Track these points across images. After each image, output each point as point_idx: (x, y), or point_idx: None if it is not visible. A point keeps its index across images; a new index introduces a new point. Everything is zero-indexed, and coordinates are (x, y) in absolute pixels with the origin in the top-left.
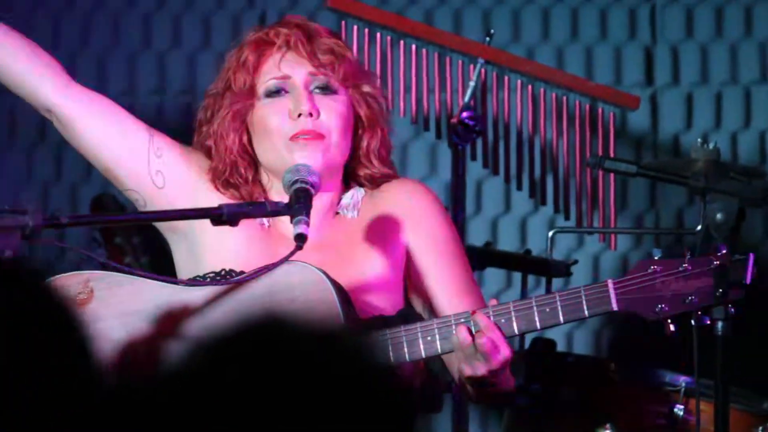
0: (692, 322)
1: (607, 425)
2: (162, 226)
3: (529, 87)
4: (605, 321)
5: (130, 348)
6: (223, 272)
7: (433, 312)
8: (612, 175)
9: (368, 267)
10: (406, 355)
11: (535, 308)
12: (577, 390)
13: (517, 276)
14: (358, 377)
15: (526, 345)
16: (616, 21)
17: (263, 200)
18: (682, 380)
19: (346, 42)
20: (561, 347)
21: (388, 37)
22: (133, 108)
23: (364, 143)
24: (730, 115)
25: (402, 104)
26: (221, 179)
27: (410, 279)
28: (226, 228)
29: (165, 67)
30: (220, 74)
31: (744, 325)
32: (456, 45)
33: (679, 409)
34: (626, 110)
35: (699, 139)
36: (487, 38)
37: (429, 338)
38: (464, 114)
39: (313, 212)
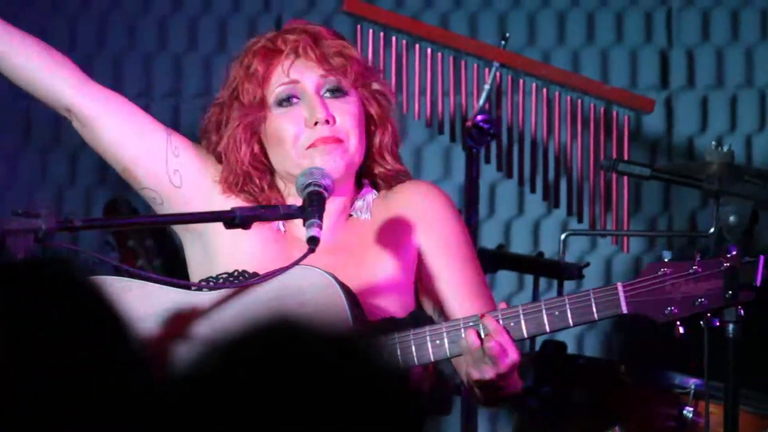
0: (702, 324)
1: (617, 427)
2: (177, 226)
3: (544, 90)
4: (616, 324)
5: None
6: (236, 273)
7: (443, 315)
8: (626, 178)
9: (380, 269)
10: (415, 359)
11: (544, 311)
12: (588, 392)
13: (529, 279)
14: (368, 380)
15: (537, 347)
16: (631, 24)
17: (276, 204)
18: (692, 382)
19: (351, 42)
20: (571, 349)
21: (404, 41)
22: (148, 110)
23: (377, 141)
24: (745, 118)
25: (417, 107)
26: (235, 189)
27: (421, 281)
28: (240, 230)
29: (181, 70)
30: (226, 83)
31: (754, 328)
32: (471, 48)
33: (688, 411)
34: (641, 113)
35: (713, 142)
36: (503, 42)
37: (438, 342)
38: (479, 117)
39: (326, 215)
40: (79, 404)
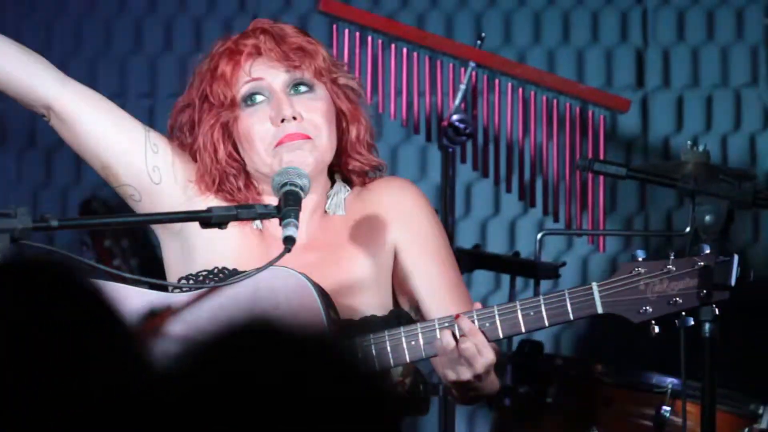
0: (677, 323)
1: (594, 427)
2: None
3: (520, 90)
4: (592, 323)
5: None
6: (215, 270)
7: (420, 312)
8: (602, 177)
9: (356, 266)
10: (391, 360)
11: (519, 312)
12: (565, 392)
13: (505, 278)
14: (343, 382)
15: (514, 347)
16: (607, 24)
17: (253, 203)
18: (669, 382)
19: (319, 40)
20: (548, 349)
21: (380, 41)
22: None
23: (352, 135)
24: (720, 118)
25: (393, 107)
26: (212, 188)
27: (397, 278)
28: (217, 229)
29: (156, 70)
30: (192, 85)
31: (731, 327)
32: (447, 48)
33: (665, 411)
34: (617, 113)
35: (689, 142)
36: (478, 42)
37: (413, 342)
38: (454, 117)
39: (301, 212)
40: (78, 405)
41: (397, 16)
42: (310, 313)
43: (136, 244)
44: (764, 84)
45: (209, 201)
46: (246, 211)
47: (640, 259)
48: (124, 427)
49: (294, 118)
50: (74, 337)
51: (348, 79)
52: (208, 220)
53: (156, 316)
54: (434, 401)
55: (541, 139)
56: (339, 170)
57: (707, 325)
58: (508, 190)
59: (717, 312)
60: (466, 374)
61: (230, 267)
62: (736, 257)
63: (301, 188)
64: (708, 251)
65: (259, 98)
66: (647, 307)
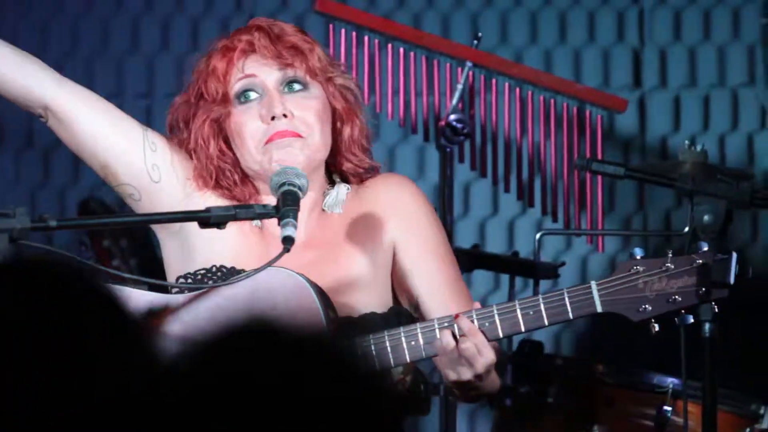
0: (676, 321)
1: (595, 427)
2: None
3: (517, 90)
4: (593, 322)
5: None
6: (213, 268)
7: (419, 309)
8: (600, 177)
9: (355, 264)
10: (391, 360)
11: (518, 311)
12: (565, 392)
13: (504, 278)
14: (342, 382)
15: (514, 347)
16: (604, 24)
17: (251, 203)
18: (670, 381)
19: (316, 39)
20: (549, 349)
21: (376, 41)
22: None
23: (345, 136)
24: (717, 117)
25: (390, 107)
26: (209, 184)
27: (396, 275)
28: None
29: (153, 70)
30: (189, 82)
31: (730, 326)
32: (444, 48)
33: (666, 411)
34: (614, 113)
35: (687, 142)
36: (475, 41)
37: (413, 342)
38: (452, 117)
39: (299, 212)
40: (81, 405)
41: (394, 16)
42: (308, 313)
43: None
44: (761, 83)
45: (208, 197)
46: (244, 211)
47: (638, 257)
48: (124, 427)
49: (285, 115)
50: (78, 337)
51: (345, 79)
52: (207, 220)
53: (155, 316)
54: (435, 401)
55: (538, 139)
56: (335, 170)
57: (707, 325)
58: (507, 189)
59: (716, 310)
60: (466, 374)
61: (229, 265)
62: (734, 255)
63: (300, 188)
64: (706, 249)
65: (252, 95)
66: (646, 306)
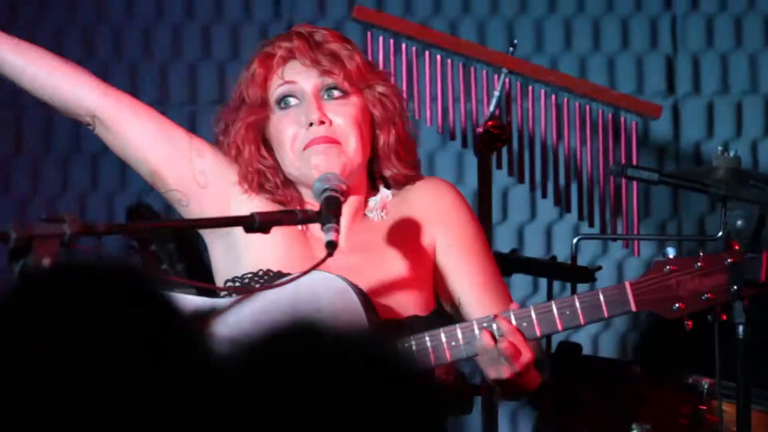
0: (709, 318)
1: (633, 426)
2: None
3: (553, 96)
4: (630, 324)
5: None
6: (260, 272)
7: (461, 310)
8: (635, 182)
9: (398, 268)
10: (432, 360)
11: (555, 311)
12: (603, 392)
13: (543, 282)
14: (388, 383)
15: (553, 348)
16: (637, 31)
17: (295, 208)
18: (705, 382)
19: (356, 45)
20: (587, 350)
21: (413, 48)
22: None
23: (381, 143)
24: (750, 123)
25: (428, 114)
26: (253, 188)
27: (437, 277)
28: None
29: (196, 77)
30: (235, 90)
31: (764, 328)
32: (480, 55)
33: (702, 411)
34: (648, 119)
35: (720, 148)
36: (511, 48)
37: (453, 343)
38: (489, 123)
39: (342, 216)
40: (131, 406)
41: (430, 24)
42: (351, 315)
43: (182, 248)
44: None
45: (254, 201)
46: (287, 217)
47: (670, 256)
48: (173, 427)
49: (322, 122)
50: (131, 339)
51: (386, 87)
52: (251, 224)
53: (201, 319)
54: (477, 401)
55: (574, 145)
56: (378, 175)
57: (740, 327)
58: (544, 195)
59: (748, 308)
60: (506, 372)
61: (274, 269)
62: (765, 253)
63: (342, 193)
64: (736, 248)
65: (291, 101)
66: (679, 304)
